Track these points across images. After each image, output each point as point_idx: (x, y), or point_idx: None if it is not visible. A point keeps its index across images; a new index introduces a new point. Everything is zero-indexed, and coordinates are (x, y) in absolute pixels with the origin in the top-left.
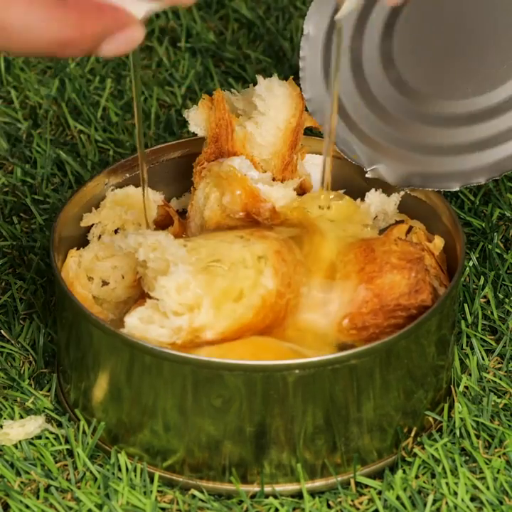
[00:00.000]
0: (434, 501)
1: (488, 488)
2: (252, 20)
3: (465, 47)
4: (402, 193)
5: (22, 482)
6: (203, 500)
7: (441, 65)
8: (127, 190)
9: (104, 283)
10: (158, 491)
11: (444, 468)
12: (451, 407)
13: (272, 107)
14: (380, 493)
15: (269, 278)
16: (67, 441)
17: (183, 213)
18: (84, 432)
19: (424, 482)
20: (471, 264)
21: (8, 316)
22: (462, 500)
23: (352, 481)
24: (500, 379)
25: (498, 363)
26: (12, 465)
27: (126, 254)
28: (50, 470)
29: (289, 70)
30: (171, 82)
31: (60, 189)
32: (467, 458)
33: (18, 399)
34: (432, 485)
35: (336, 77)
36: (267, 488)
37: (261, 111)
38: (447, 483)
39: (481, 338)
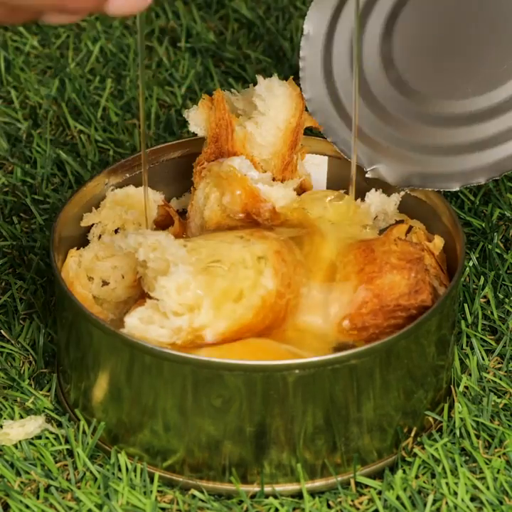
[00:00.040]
0: (434, 501)
1: (488, 488)
2: (252, 20)
3: (465, 47)
4: (402, 193)
5: (22, 482)
6: (203, 500)
7: (442, 65)
8: (127, 190)
9: (104, 283)
10: (158, 491)
11: (444, 468)
12: (451, 407)
13: (271, 107)
14: (380, 493)
15: (269, 278)
16: (67, 441)
17: (183, 213)
18: (84, 432)
19: (424, 482)
20: (471, 264)
21: (8, 316)
22: (462, 500)
23: (352, 481)
24: (500, 379)
25: (498, 363)
26: (12, 465)
27: (126, 254)
28: (50, 470)
29: (289, 70)
30: (171, 82)
31: (60, 189)
32: (467, 458)
33: (18, 399)
34: (432, 485)
35: (356, 51)
36: (267, 488)
37: (261, 111)
38: (447, 483)
39: (481, 338)
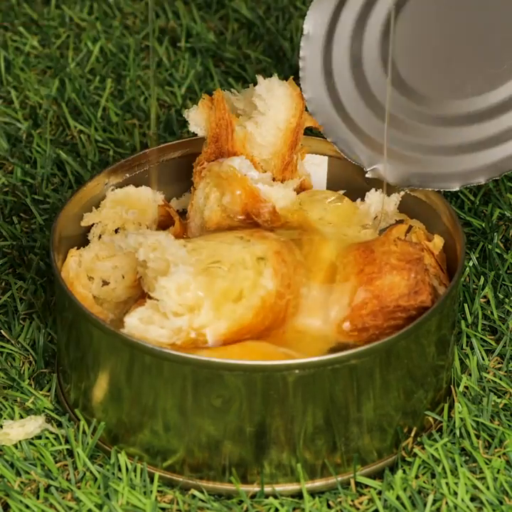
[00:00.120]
0: (434, 501)
1: (488, 488)
2: (252, 20)
3: (465, 47)
4: (402, 193)
5: (22, 482)
6: (203, 500)
7: (441, 65)
8: (127, 190)
9: (105, 283)
10: (158, 491)
11: (444, 468)
12: (451, 407)
13: (272, 107)
14: (380, 493)
15: (269, 279)
16: (67, 441)
17: (183, 213)
18: (84, 432)
19: (424, 482)
20: (471, 264)
21: (8, 316)
22: (462, 500)
23: (352, 481)
24: (500, 379)
25: (498, 363)
26: (12, 465)
27: (126, 254)
28: (50, 470)
29: (289, 70)
30: (171, 82)
31: (60, 189)
32: (467, 458)
33: (18, 399)
34: (432, 485)
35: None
36: (267, 488)
37: (261, 111)
38: (447, 483)
39: (481, 338)
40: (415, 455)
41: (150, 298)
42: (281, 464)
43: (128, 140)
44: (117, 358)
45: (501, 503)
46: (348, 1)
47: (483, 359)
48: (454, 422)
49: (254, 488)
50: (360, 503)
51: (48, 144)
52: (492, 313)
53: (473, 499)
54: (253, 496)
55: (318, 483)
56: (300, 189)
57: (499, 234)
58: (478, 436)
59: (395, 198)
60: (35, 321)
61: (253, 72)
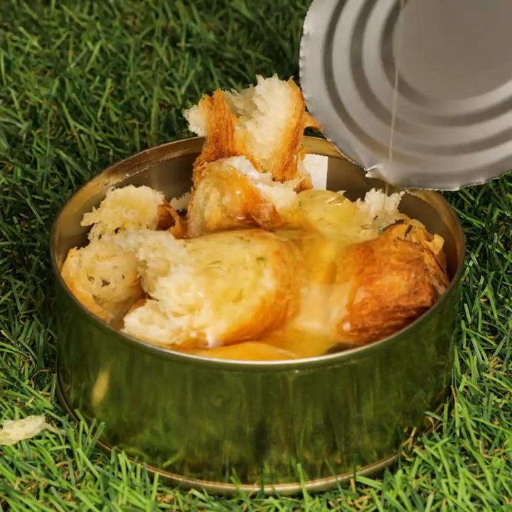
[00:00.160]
0: (434, 501)
1: (488, 488)
2: (252, 20)
3: (465, 47)
4: (402, 193)
5: (22, 482)
6: (203, 500)
7: (442, 65)
8: (127, 190)
9: (105, 283)
10: (158, 491)
11: (444, 468)
12: (451, 407)
13: (272, 107)
14: (380, 493)
15: (269, 279)
16: (67, 441)
17: (183, 213)
18: (84, 432)
19: (424, 482)
20: (471, 264)
21: (8, 316)
22: (462, 500)
23: (352, 481)
24: (500, 379)
25: (498, 363)
26: (12, 465)
27: (126, 254)
28: (50, 470)
29: (289, 70)
30: (171, 82)
31: (60, 189)
32: (467, 458)
33: (18, 399)
34: (432, 485)
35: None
36: (267, 488)
37: (261, 111)
38: (447, 483)
39: (481, 338)
40: (415, 455)
41: (150, 298)
42: (281, 463)
43: (128, 140)
44: (117, 358)
45: (501, 503)
46: (348, 1)
47: (483, 359)
48: (454, 422)
49: (254, 488)
50: (360, 503)
51: (48, 144)
52: (492, 313)
53: (473, 499)
54: (253, 496)
55: (318, 483)
56: (300, 189)
57: (499, 234)
58: (478, 436)
59: (395, 198)
60: (35, 321)
61: (253, 72)
